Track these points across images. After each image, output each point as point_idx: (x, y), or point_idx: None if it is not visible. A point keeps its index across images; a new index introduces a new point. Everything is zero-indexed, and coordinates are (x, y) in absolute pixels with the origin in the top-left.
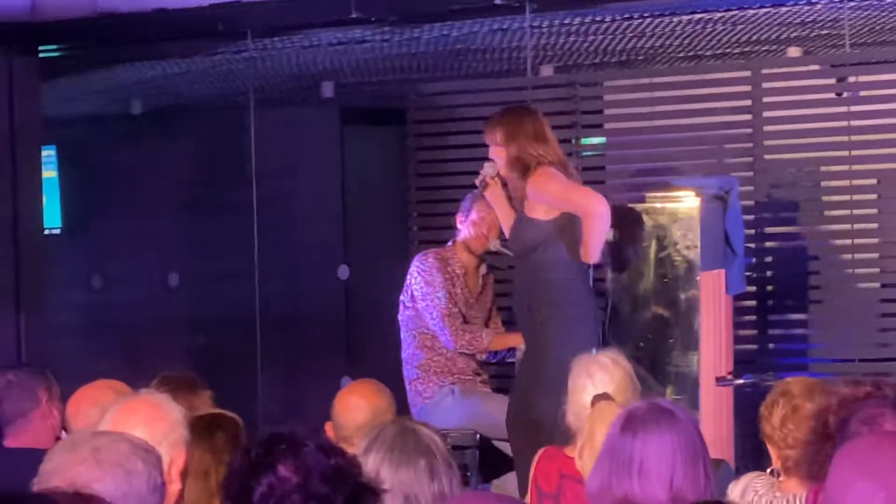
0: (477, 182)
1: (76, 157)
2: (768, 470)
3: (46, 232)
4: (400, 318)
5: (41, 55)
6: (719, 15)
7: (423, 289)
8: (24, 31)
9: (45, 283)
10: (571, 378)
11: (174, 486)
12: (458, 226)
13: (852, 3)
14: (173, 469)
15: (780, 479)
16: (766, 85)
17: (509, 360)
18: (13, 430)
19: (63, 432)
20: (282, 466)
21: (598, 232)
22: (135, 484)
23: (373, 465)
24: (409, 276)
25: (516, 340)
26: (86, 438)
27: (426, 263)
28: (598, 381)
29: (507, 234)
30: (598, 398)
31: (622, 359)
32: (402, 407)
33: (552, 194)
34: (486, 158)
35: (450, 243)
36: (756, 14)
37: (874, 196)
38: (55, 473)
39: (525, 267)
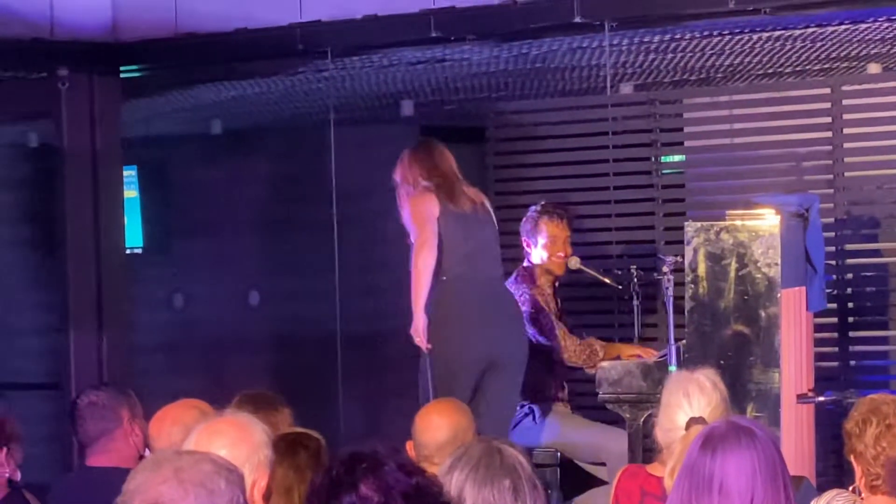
0: None
1: (157, 177)
2: (850, 487)
3: (128, 251)
4: None
5: (122, 75)
6: (799, 32)
7: (535, 313)
8: (105, 52)
9: (127, 302)
10: (667, 393)
11: None
12: (527, 249)
13: None
14: (255, 490)
15: (863, 496)
16: (846, 102)
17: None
18: (96, 448)
19: (146, 451)
20: (363, 485)
21: (413, 271)
22: None
23: (457, 483)
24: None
25: (627, 350)
26: (169, 458)
27: (531, 290)
28: (694, 403)
29: None
30: (693, 421)
31: (720, 381)
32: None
33: (407, 215)
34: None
35: (527, 264)
36: (836, 31)
37: None
38: (138, 492)
39: None
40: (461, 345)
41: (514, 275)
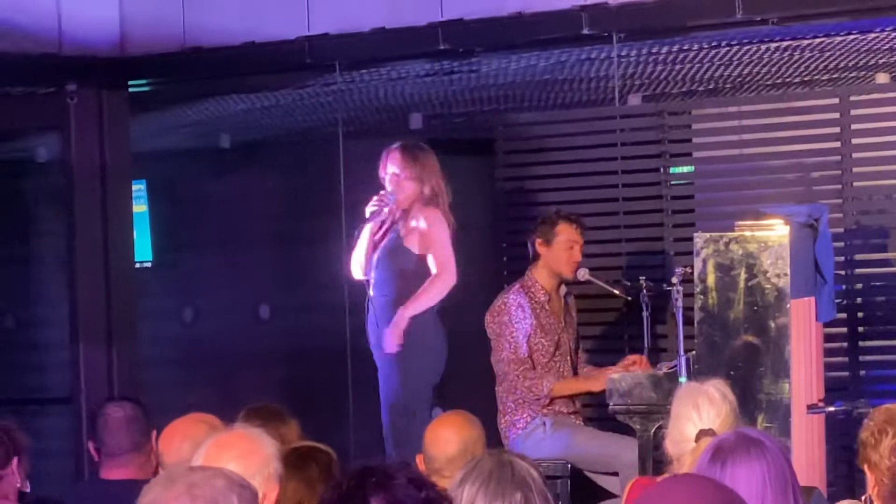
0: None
1: (166, 191)
2: (862, 498)
3: (137, 265)
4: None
5: (130, 90)
6: (807, 42)
7: (494, 331)
8: (113, 67)
9: (137, 316)
10: (676, 404)
11: None
12: (538, 249)
13: None
14: (265, 503)
15: None
16: (854, 111)
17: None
18: (120, 461)
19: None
20: (373, 499)
21: (433, 290)
22: None
23: (468, 496)
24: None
25: (583, 386)
26: (182, 474)
27: (506, 305)
28: (704, 415)
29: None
30: (703, 433)
31: (729, 392)
32: (491, 438)
33: (436, 237)
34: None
35: (528, 276)
36: (844, 41)
37: None
38: None
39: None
40: (439, 359)
41: (514, 284)
